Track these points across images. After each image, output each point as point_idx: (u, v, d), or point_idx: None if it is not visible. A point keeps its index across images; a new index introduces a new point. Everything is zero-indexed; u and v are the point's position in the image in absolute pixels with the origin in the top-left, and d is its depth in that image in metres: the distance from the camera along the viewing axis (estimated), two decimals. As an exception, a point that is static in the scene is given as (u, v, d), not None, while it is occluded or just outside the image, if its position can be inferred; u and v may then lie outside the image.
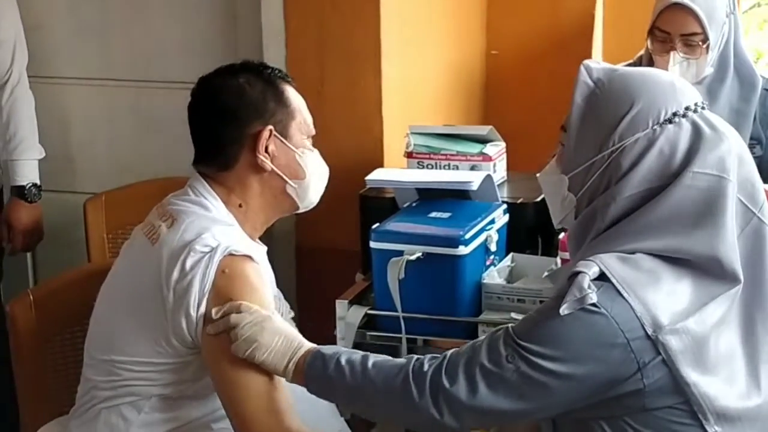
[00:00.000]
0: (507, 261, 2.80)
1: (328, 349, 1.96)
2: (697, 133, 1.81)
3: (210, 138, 2.20)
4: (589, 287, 1.74)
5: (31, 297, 2.45)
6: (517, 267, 2.80)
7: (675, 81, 1.88)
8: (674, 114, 1.82)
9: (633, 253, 1.79)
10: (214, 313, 2.03)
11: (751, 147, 3.10)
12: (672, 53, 3.00)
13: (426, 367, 1.84)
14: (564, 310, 1.74)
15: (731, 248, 1.79)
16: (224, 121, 2.17)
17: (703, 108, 1.85)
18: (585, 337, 1.75)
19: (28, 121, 3.33)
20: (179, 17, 3.58)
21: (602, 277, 1.76)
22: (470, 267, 2.64)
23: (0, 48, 3.26)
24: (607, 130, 1.82)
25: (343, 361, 1.91)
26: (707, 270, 1.78)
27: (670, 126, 1.81)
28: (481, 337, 1.86)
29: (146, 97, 3.65)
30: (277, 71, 2.23)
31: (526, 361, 1.76)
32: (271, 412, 2.01)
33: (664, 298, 1.76)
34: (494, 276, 2.71)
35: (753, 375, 1.83)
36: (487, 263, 2.73)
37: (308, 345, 1.99)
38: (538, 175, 2.01)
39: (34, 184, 3.33)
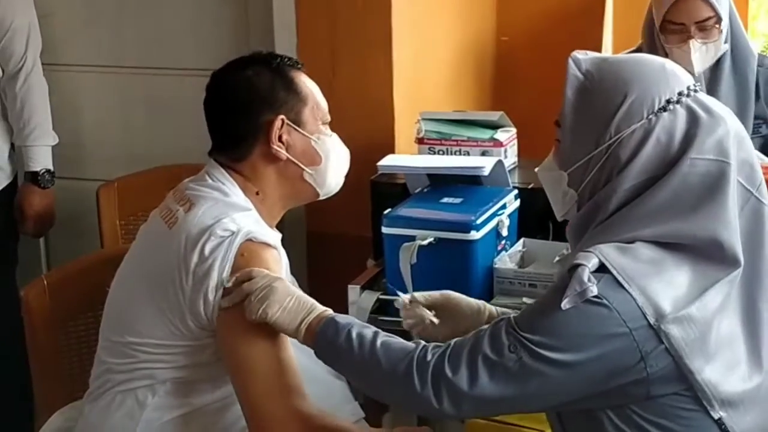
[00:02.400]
0: (518, 246, 2.80)
1: (342, 318, 1.97)
2: (692, 118, 1.80)
3: (224, 131, 2.22)
4: (589, 280, 1.73)
5: (46, 282, 2.47)
6: (529, 252, 2.81)
7: (666, 64, 1.86)
8: (668, 101, 1.80)
9: (632, 242, 1.78)
10: (225, 303, 2.05)
11: (756, 126, 3.11)
12: (691, 42, 3.00)
13: (429, 356, 1.84)
14: (566, 304, 1.73)
15: (733, 231, 1.78)
16: (236, 115, 2.19)
17: (695, 91, 1.83)
18: (587, 328, 1.74)
19: (42, 108, 3.35)
20: (191, 5, 3.59)
21: (602, 268, 1.76)
22: (482, 252, 2.65)
23: (14, 35, 3.29)
24: (602, 124, 1.81)
25: (354, 333, 1.92)
26: (708, 254, 1.78)
27: (665, 114, 1.79)
28: (484, 326, 1.86)
29: (158, 85, 3.66)
30: (286, 59, 2.24)
31: (528, 351, 1.76)
32: (279, 393, 2.02)
33: (664, 286, 1.75)
34: (506, 261, 2.72)
35: (755, 355, 1.83)
36: (499, 248, 2.74)
37: (321, 308, 2.00)
38: (536, 169, 2.00)
39: (48, 170, 3.35)
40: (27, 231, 3.41)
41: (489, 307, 2.18)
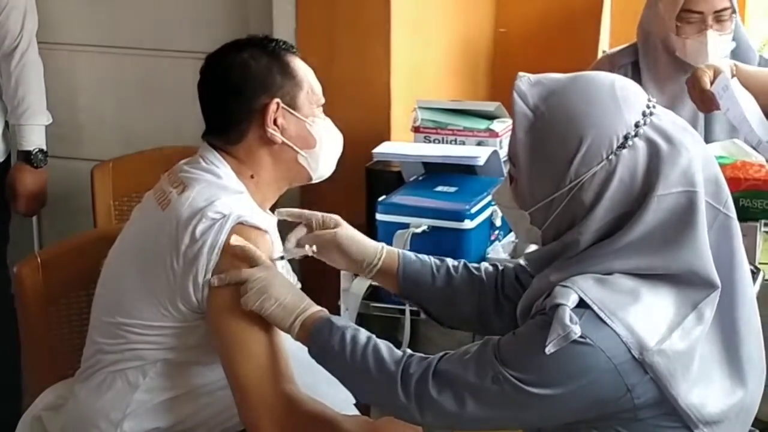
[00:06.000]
0: (511, 236, 2.81)
1: (338, 319, 1.98)
2: (653, 150, 1.74)
3: (219, 114, 2.22)
4: (571, 320, 1.70)
5: (39, 260, 2.46)
6: (521, 243, 2.80)
7: (616, 90, 1.77)
8: (626, 137, 1.73)
9: (610, 273, 1.76)
10: (216, 281, 2.05)
11: None
12: (708, 32, 3.01)
13: (413, 368, 1.84)
14: (549, 349, 1.70)
15: (706, 258, 1.76)
16: (231, 97, 2.19)
17: (651, 113, 1.76)
18: (573, 367, 1.73)
19: (37, 87, 3.34)
20: (190, -13, 3.59)
21: (582, 303, 1.73)
22: (475, 241, 2.66)
23: (10, 14, 3.28)
24: (560, 168, 1.75)
25: (348, 336, 1.92)
26: (684, 281, 1.76)
27: (624, 151, 1.73)
28: (471, 346, 1.85)
29: (155, 66, 3.66)
30: (281, 43, 2.24)
31: (511, 385, 1.75)
32: (268, 376, 2.03)
33: (646, 317, 1.73)
34: (499, 251, 2.73)
35: (736, 369, 1.82)
36: (492, 238, 2.75)
37: (317, 307, 2.01)
38: (492, 194, 1.98)
39: (41, 150, 3.35)
40: (19, 210, 3.40)
41: (387, 250, 2.17)
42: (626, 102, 1.76)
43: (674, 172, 1.74)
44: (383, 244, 2.19)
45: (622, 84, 1.80)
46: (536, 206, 1.81)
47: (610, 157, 1.73)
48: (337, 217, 2.21)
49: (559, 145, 1.76)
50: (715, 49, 3.02)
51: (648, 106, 1.77)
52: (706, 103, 2.80)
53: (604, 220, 1.76)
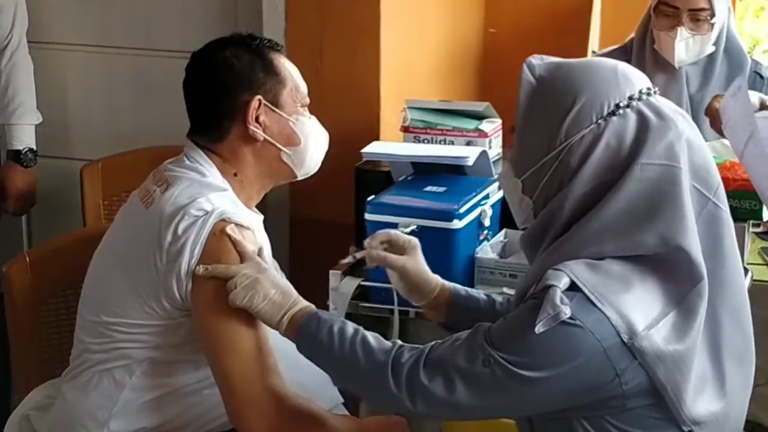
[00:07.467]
0: (500, 236, 2.82)
1: (325, 313, 1.98)
2: (642, 122, 1.77)
3: (202, 111, 2.23)
4: (561, 301, 1.71)
5: (28, 259, 2.47)
6: (510, 242, 2.81)
7: (618, 68, 1.83)
8: (618, 105, 1.77)
9: (601, 258, 1.77)
10: (201, 270, 2.05)
11: None
12: (679, 29, 3.02)
13: (405, 357, 1.85)
14: (539, 328, 1.71)
15: (693, 239, 1.76)
16: (214, 95, 2.19)
17: (648, 94, 1.80)
18: (562, 348, 1.73)
19: (27, 86, 3.35)
20: (180, -14, 3.59)
21: (573, 287, 1.74)
22: (464, 241, 2.66)
23: (1, 12, 3.28)
24: (552, 129, 1.79)
25: (335, 329, 1.92)
26: (674, 264, 1.76)
27: (614, 118, 1.77)
28: (463, 333, 1.85)
29: (145, 65, 3.66)
30: (265, 41, 2.24)
31: (502, 368, 1.76)
32: (255, 371, 2.03)
33: (636, 302, 1.74)
34: (487, 251, 2.73)
35: (718, 372, 1.82)
36: (481, 238, 2.75)
37: (305, 303, 2.01)
38: (496, 176, 2.00)
39: (31, 149, 3.35)
40: (8, 209, 3.40)
41: (442, 283, 2.20)
42: (625, 78, 1.82)
43: (660, 144, 1.77)
44: (438, 279, 2.20)
45: (626, 66, 1.85)
46: (528, 172, 1.84)
47: (599, 121, 1.77)
48: (415, 241, 2.22)
49: (554, 104, 1.80)
50: (684, 48, 3.03)
51: (649, 88, 1.82)
52: (715, 122, 2.82)
53: (588, 186, 1.77)
